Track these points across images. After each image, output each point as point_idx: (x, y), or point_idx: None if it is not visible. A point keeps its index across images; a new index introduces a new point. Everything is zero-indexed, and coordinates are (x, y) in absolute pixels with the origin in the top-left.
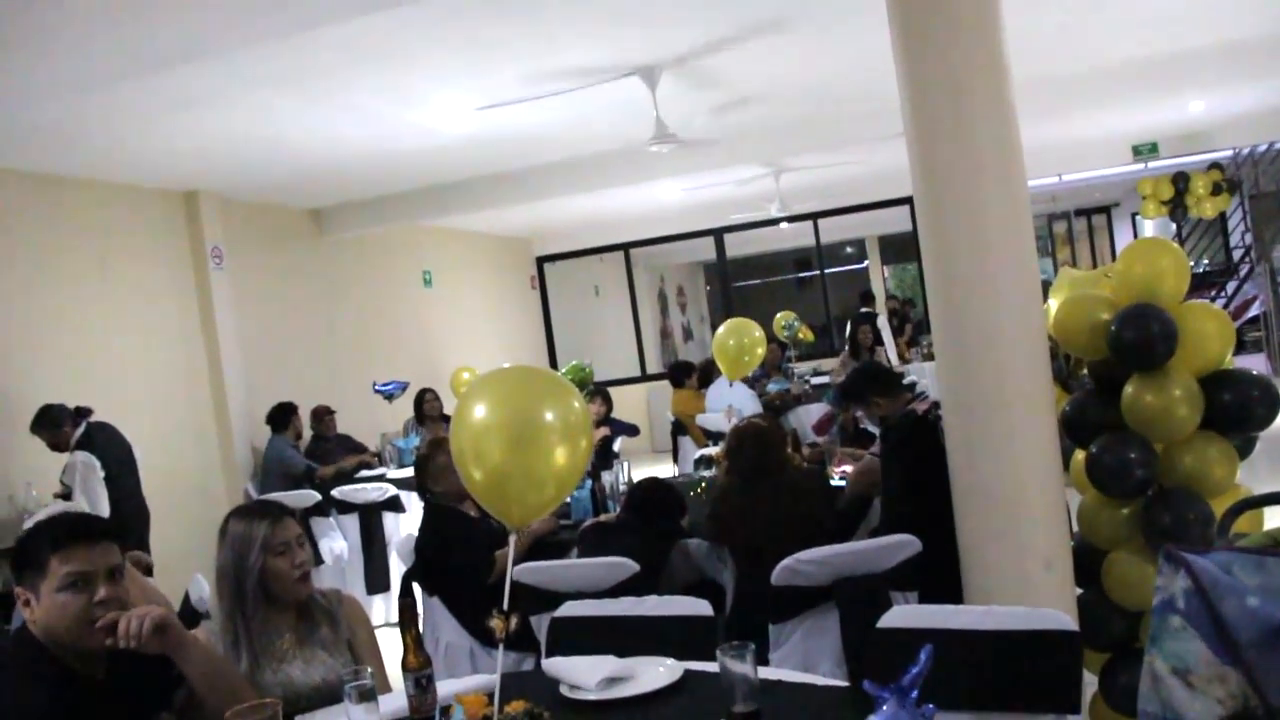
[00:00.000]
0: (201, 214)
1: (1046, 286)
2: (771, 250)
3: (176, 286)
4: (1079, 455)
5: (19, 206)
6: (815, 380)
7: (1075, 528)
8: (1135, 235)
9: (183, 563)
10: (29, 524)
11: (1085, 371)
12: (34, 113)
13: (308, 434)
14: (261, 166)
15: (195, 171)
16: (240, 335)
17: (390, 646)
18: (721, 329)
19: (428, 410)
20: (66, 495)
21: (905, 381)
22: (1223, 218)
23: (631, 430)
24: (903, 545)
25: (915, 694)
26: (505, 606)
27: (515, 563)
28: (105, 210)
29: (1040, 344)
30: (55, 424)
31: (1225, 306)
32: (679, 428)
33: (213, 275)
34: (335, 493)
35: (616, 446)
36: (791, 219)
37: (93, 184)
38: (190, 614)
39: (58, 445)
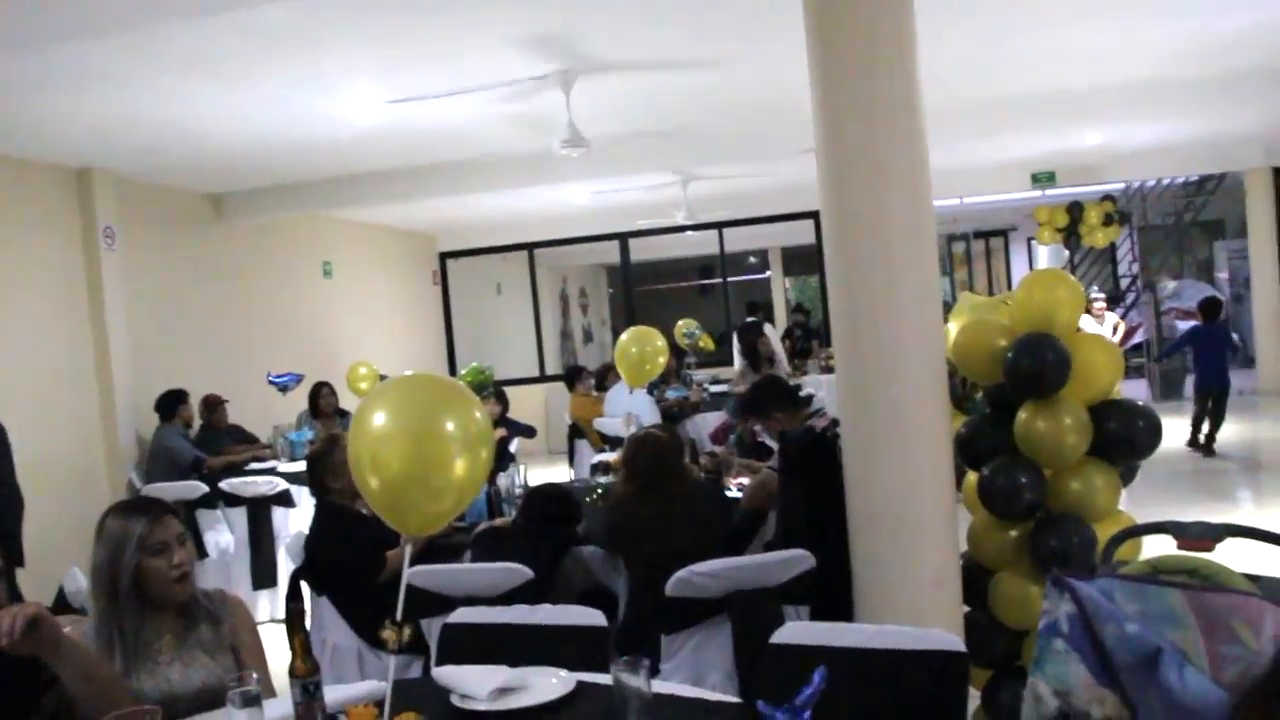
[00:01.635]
0: (94, 192)
1: (945, 307)
2: (675, 256)
3: (64, 266)
4: (971, 476)
5: None
6: (714, 388)
7: (965, 547)
8: (1030, 259)
9: (59, 554)
10: None
11: (980, 394)
12: None
13: (197, 423)
14: (160, 148)
15: (89, 148)
16: (130, 319)
17: (276, 643)
18: (624, 336)
19: (323, 405)
20: None
21: (803, 394)
22: (1113, 247)
23: (528, 431)
24: (797, 560)
25: (808, 715)
26: (399, 616)
27: (408, 565)
28: None
29: (939, 365)
30: None
31: (1111, 333)
32: (576, 431)
33: (104, 256)
34: (224, 485)
35: (513, 448)
36: (697, 227)
37: None
38: (65, 609)
39: None
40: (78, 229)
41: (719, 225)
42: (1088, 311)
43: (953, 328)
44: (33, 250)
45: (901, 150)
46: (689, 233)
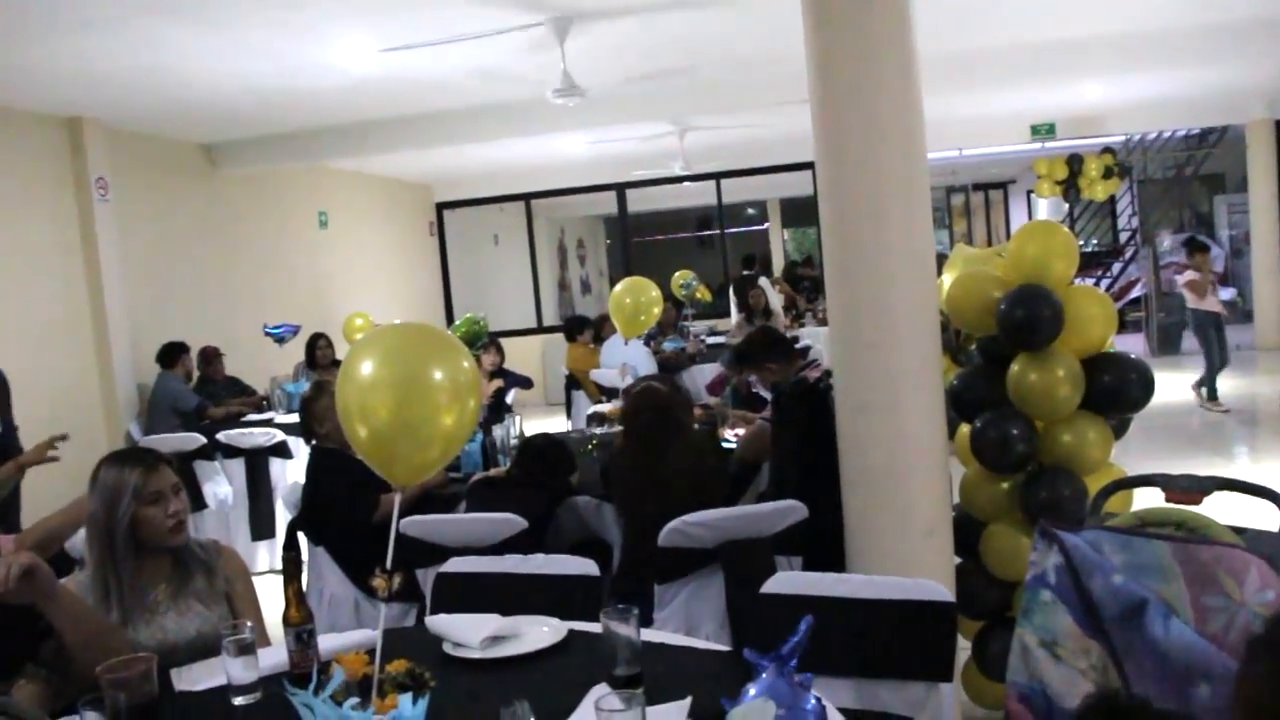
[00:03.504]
0: (86, 142)
1: (942, 259)
2: (673, 208)
3: (57, 217)
4: (964, 428)
5: None
6: (710, 340)
7: (956, 499)
8: (1030, 212)
9: (56, 505)
10: None
11: (973, 346)
12: None
13: (195, 375)
14: (152, 97)
15: (80, 97)
16: (125, 270)
17: (275, 594)
18: (619, 287)
19: (319, 356)
20: None
21: (800, 346)
22: (1112, 200)
23: (525, 382)
24: (789, 511)
25: (794, 663)
26: (389, 565)
27: (401, 515)
28: None
29: (932, 316)
30: None
31: (1109, 287)
32: (573, 382)
33: (97, 207)
34: (221, 436)
35: (509, 398)
36: (694, 178)
37: None
38: (63, 561)
39: None
40: (70, 179)
41: (716, 176)
42: None
43: (946, 279)
44: (26, 201)
45: (895, 99)
46: (687, 184)
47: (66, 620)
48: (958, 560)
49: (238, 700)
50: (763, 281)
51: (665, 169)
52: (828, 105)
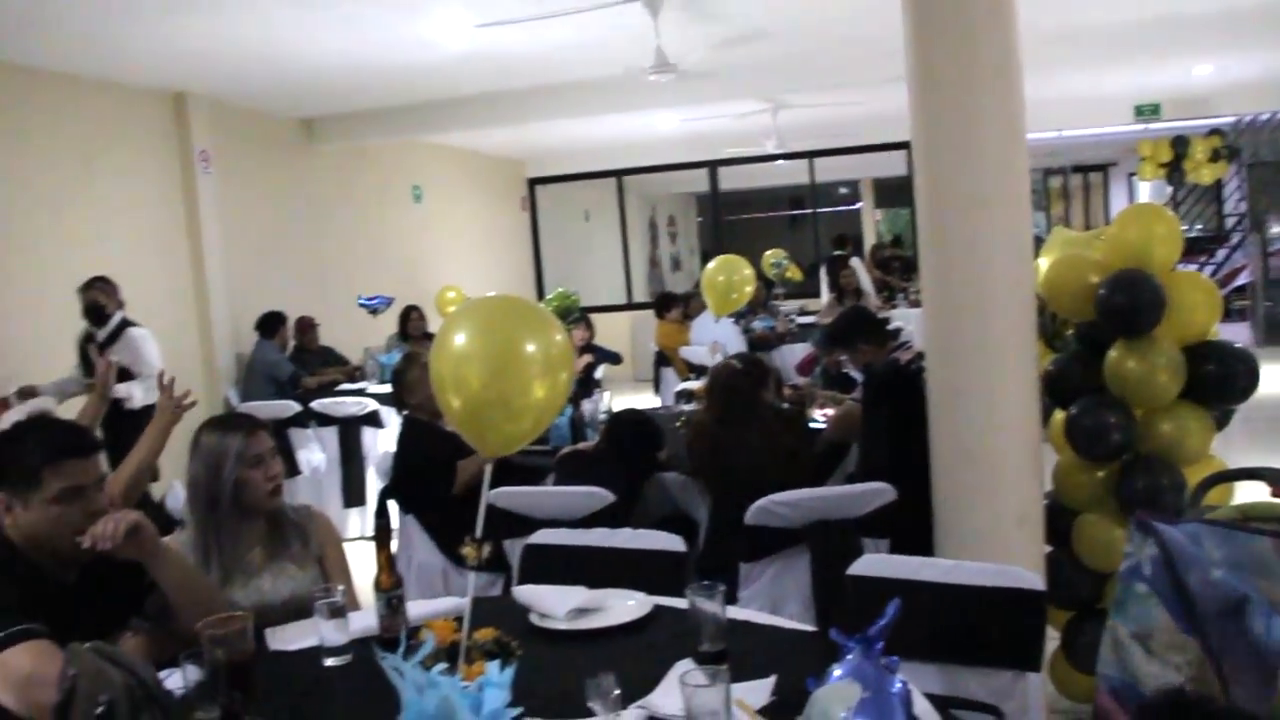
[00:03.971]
0: (190, 117)
1: (1039, 243)
2: (765, 186)
3: (162, 189)
4: (1058, 415)
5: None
6: (801, 320)
7: (1049, 486)
8: (1131, 195)
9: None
10: (7, 429)
11: (1070, 331)
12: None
13: (291, 345)
14: (253, 72)
15: (184, 73)
16: (225, 242)
17: (366, 560)
18: (711, 264)
19: (412, 328)
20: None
21: (891, 328)
22: (1219, 184)
23: (614, 358)
24: (877, 493)
25: (880, 645)
26: (479, 533)
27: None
28: (89, 107)
29: (1028, 301)
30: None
31: (1214, 274)
32: (662, 359)
33: (200, 180)
34: (315, 405)
35: (598, 374)
36: (787, 156)
37: (76, 80)
38: (165, 522)
39: (103, 313)
40: (175, 153)
41: (809, 155)
42: None
43: (1044, 263)
44: (133, 174)
45: (995, 78)
46: (779, 162)
47: (169, 577)
48: (1048, 549)
49: (329, 661)
50: (854, 262)
51: (758, 147)
52: (925, 84)
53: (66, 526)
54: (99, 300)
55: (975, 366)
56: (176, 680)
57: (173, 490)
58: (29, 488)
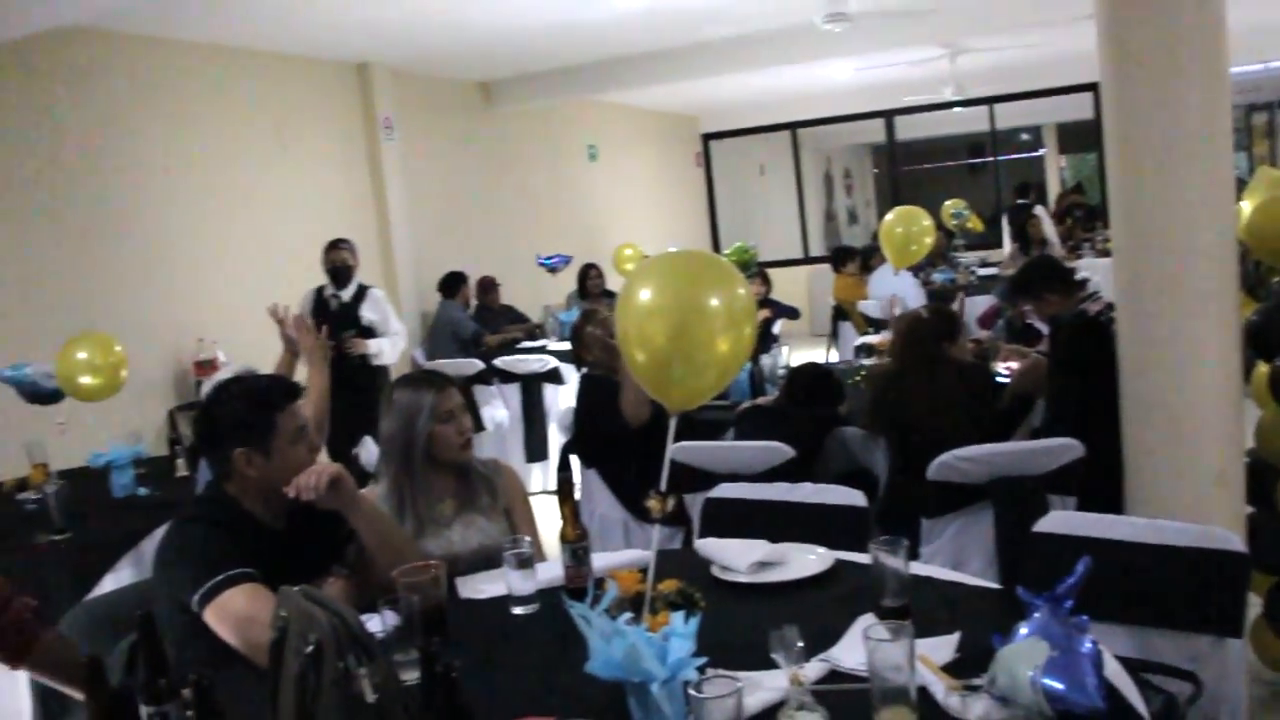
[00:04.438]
0: (373, 85)
1: (1241, 185)
2: (943, 135)
3: (349, 156)
4: (1261, 368)
5: (203, 77)
6: (982, 271)
7: (1251, 444)
8: None
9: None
10: (216, 386)
11: (1276, 279)
12: None
13: (473, 304)
14: (433, 39)
15: (368, 44)
16: (409, 204)
17: (548, 513)
18: (890, 216)
19: (591, 286)
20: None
21: (1079, 278)
22: None
23: (792, 313)
24: (1065, 449)
25: (1069, 604)
26: (663, 486)
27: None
28: (281, 81)
29: (1229, 247)
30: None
31: None
32: (840, 313)
33: (383, 145)
34: (498, 362)
35: (776, 329)
36: (966, 103)
37: (266, 55)
38: (359, 476)
39: (350, 273)
40: (360, 121)
41: (989, 101)
42: None
43: (1246, 206)
44: (322, 142)
45: (1193, 6)
46: (957, 109)
47: (367, 526)
48: (1249, 509)
49: (517, 610)
50: (1038, 210)
51: (935, 94)
52: (1115, 18)
53: (299, 466)
54: (348, 261)
55: (1170, 317)
56: (375, 624)
57: (365, 445)
58: (267, 436)
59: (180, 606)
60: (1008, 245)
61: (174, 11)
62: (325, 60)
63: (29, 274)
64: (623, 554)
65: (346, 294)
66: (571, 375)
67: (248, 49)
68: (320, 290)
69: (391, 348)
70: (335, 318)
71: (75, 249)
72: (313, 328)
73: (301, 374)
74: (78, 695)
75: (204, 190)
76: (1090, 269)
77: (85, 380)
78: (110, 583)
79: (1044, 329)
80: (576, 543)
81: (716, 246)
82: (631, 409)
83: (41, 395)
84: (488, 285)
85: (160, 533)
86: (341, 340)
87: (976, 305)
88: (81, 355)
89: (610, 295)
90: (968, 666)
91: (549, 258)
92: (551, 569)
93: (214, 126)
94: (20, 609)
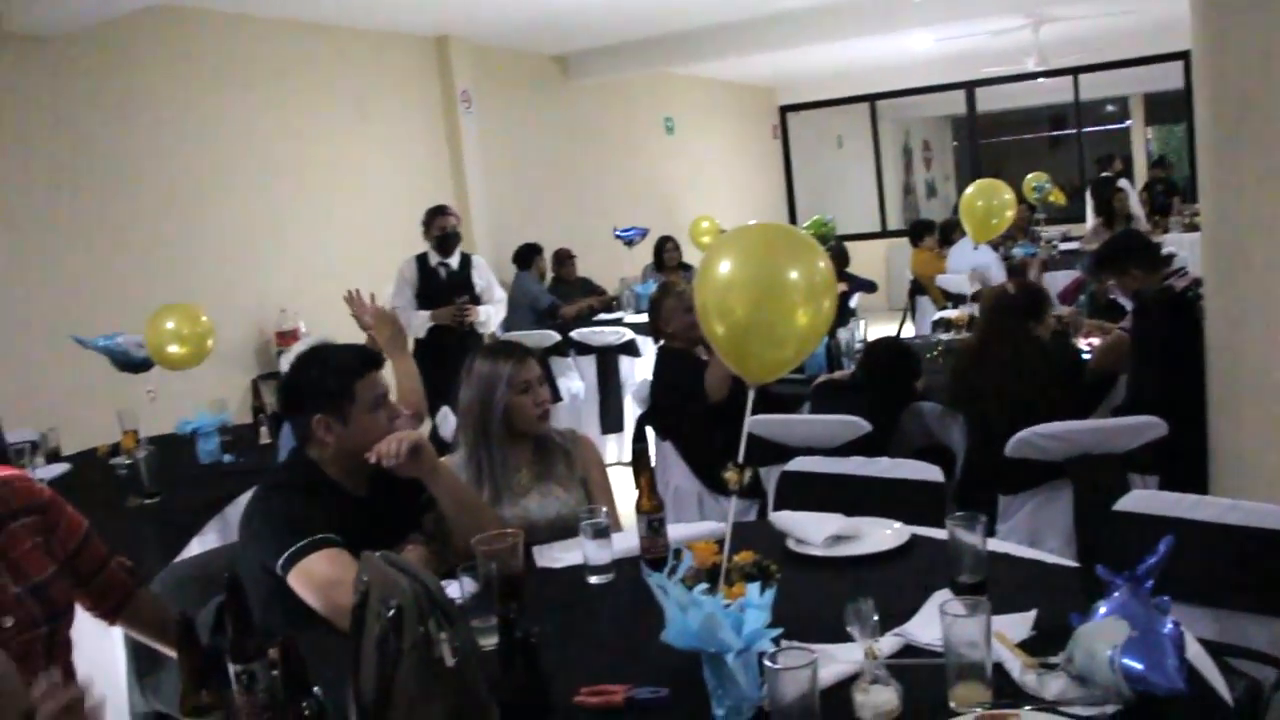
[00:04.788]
0: (452, 59)
1: None
2: (1024, 106)
3: (428, 130)
4: None
5: (285, 53)
6: (1064, 246)
7: None
8: None
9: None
10: (298, 354)
11: None
12: None
13: (549, 276)
14: (510, 11)
15: (447, 17)
16: (486, 177)
17: (623, 484)
18: (970, 189)
19: (667, 259)
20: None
21: (1165, 253)
22: None
23: (869, 286)
24: (1147, 427)
25: (1150, 584)
26: (740, 458)
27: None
28: (361, 56)
29: None
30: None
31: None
32: (917, 287)
33: (462, 119)
34: (574, 334)
35: (853, 303)
36: (1049, 73)
37: (349, 31)
38: (436, 445)
39: (457, 240)
40: (438, 94)
41: (1074, 71)
42: None
43: None
44: (401, 115)
45: None
46: (1040, 80)
47: (446, 494)
48: None
49: (593, 579)
50: (1123, 184)
51: (1017, 65)
52: None
53: (377, 433)
54: (457, 227)
55: (1260, 294)
56: (454, 591)
57: (444, 415)
58: (345, 403)
59: (265, 570)
60: (1090, 219)
61: None
62: (404, 34)
63: (119, 246)
64: (699, 525)
65: (454, 261)
66: (647, 347)
67: (329, 24)
68: (423, 258)
69: (496, 315)
70: (446, 286)
71: (163, 221)
72: (393, 315)
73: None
74: (168, 651)
75: (286, 164)
76: (1176, 244)
77: (173, 349)
78: (196, 546)
79: (1128, 305)
80: (652, 513)
81: (793, 220)
82: (716, 386)
83: (132, 364)
84: (563, 257)
85: (245, 498)
86: (461, 308)
87: (1057, 280)
88: (170, 325)
89: (686, 268)
90: (1044, 644)
91: (625, 230)
92: (627, 539)
93: (297, 101)
94: (116, 568)
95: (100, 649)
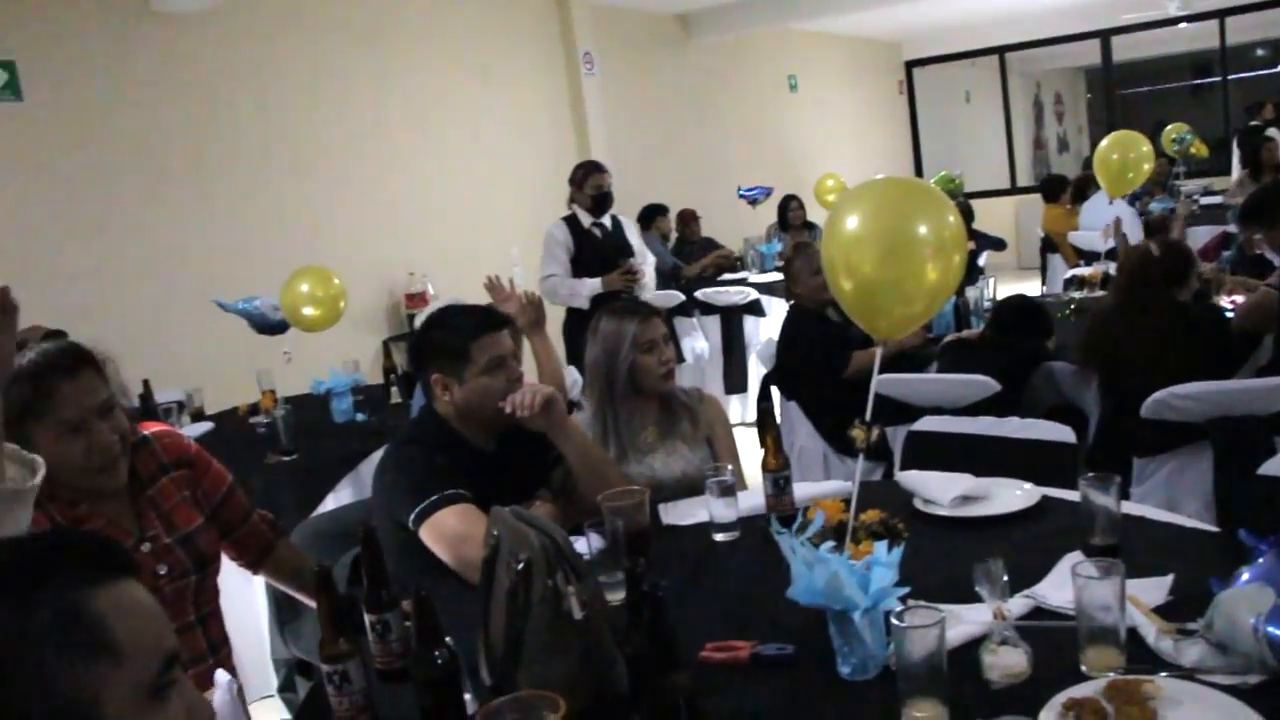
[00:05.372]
0: (574, 20)
1: None
2: (1164, 54)
3: (551, 92)
4: None
5: (410, 18)
6: (1205, 200)
7: None
8: None
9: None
10: (429, 315)
11: None
12: None
13: (674, 236)
14: None
15: None
16: (610, 138)
17: (747, 443)
18: (1105, 141)
19: (792, 218)
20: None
21: None
22: None
23: (998, 244)
24: None
25: None
26: (868, 417)
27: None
28: (485, 21)
29: None
30: None
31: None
32: (1049, 245)
33: (584, 80)
34: (698, 294)
35: (981, 261)
36: (1193, 18)
37: None
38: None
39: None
40: (561, 56)
41: (1220, 14)
42: None
43: None
44: (525, 78)
45: None
46: (1182, 25)
47: (573, 450)
48: None
49: (718, 536)
50: (1272, 132)
51: (1157, 10)
52: None
53: (494, 395)
54: (611, 187)
55: None
56: (581, 546)
57: (569, 372)
58: (460, 364)
59: (397, 524)
60: (1236, 171)
61: None
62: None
63: (255, 212)
64: (824, 484)
65: (607, 221)
66: (772, 307)
67: None
68: (572, 220)
69: (652, 278)
70: (604, 249)
71: (296, 187)
72: (536, 299)
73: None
74: (307, 601)
75: (413, 129)
76: None
77: (308, 311)
78: (331, 501)
79: (1277, 260)
80: (778, 472)
81: (920, 176)
82: (860, 364)
83: (269, 326)
84: (688, 218)
85: (377, 455)
86: (630, 271)
87: (1198, 236)
88: (304, 288)
89: (811, 226)
90: (1182, 609)
91: (749, 189)
92: (752, 498)
93: (422, 67)
94: (258, 520)
95: (244, 597)
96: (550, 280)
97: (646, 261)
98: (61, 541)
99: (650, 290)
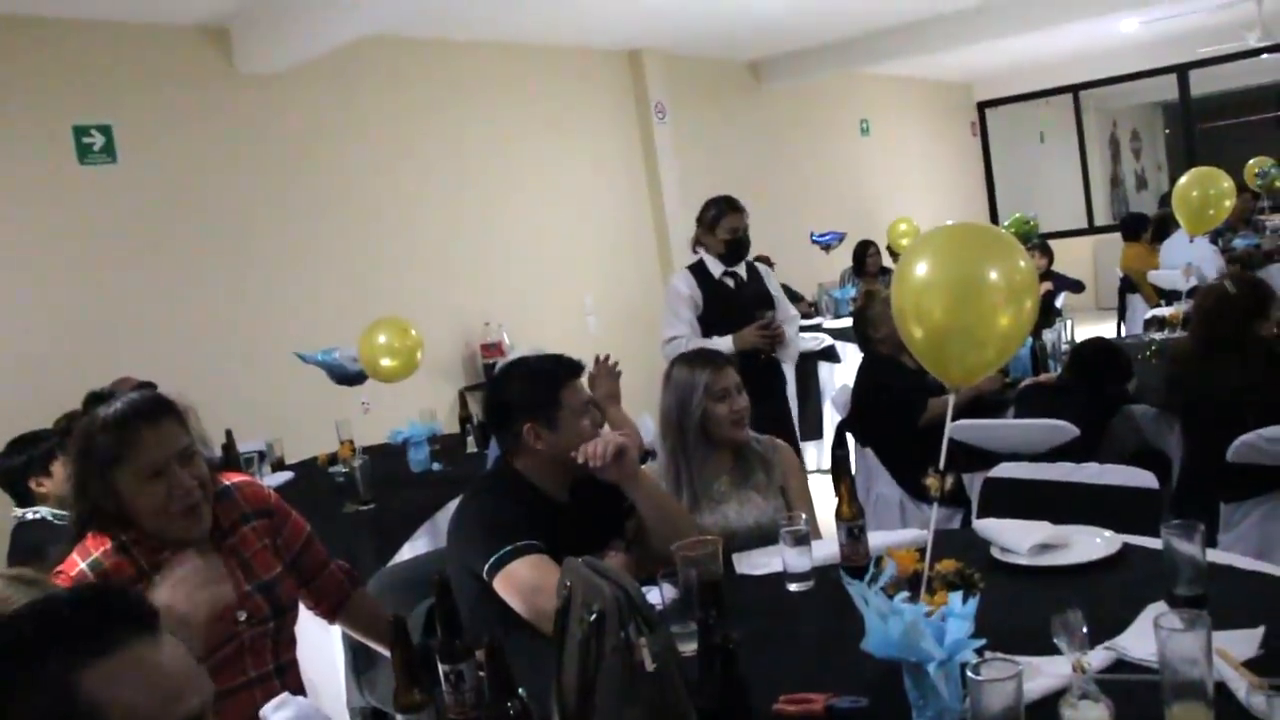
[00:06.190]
0: (645, 71)
1: None
2: (1245, 86)
3: (624, 141)
4: None
5: (486, 74)
6: None
7: None
8: None
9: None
10: (504, 365)
11: None
12: None
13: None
14: (702, 21)
15: (638, 30)
16: (682, 186)
17: (822, 491)
18: (1184, 178)
19: (869, 264)
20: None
21: None
22: None
23: (1076, 286)
24: None
25: None
26: (942, 465)
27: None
28: (558, 73)
29: None
30: None
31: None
32: (1128, 285)
33: (656, 129)
34: None
35: (1059, 303)
36: (1275, 48)
37: (546, 50)
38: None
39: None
40: (632, 107)
41: None
42: None
43: None
44: (597, 128)
45: None
46: (1264, 56)
47: (646, 500)
48: None
49: (793, 586)
50: None
51: (1237, 42)
52: None
53: (587, 437)
54: (748, 232)
55: None
56: (654, 597)
57: (642, 422)
58: (553, 410)
59: (472, 574)
60: None
61: (460, 14)
62: (598, 49)
63: (334, 265)
64: (900, 533)
65: (742, 270)
66: (846, 353)
67: (525, 44)
68: (699, 269)
69: (795, 337)
70: (739, 301)
71: (373, 240)
72: (614, 373)
73: None
74: (383, 650)
75: (488, 181)
76: None
77: (385, 362)
78: (408, 551)
79: None
80: (852, 521)
81: (995, 218)
82: (935, 412)
83: (348, 377)
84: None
85: (453, 505)
86: (768, 327)
87: None
88: (382, 339)
89: (887, 272)
90: (1274, 664)
91: (822, 235)
92: (827, 547)
93: (497, 119)
94: (336, 570)
95: (321, 646)
96: (674, 344)
97: (788, 316)
98: (58, 614)
99: (795, 350)
